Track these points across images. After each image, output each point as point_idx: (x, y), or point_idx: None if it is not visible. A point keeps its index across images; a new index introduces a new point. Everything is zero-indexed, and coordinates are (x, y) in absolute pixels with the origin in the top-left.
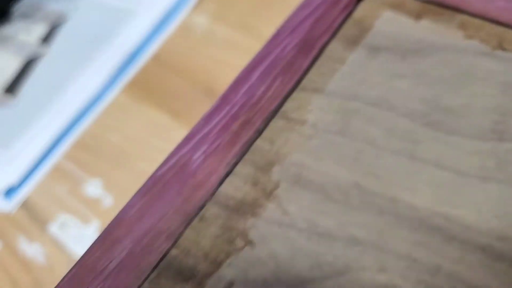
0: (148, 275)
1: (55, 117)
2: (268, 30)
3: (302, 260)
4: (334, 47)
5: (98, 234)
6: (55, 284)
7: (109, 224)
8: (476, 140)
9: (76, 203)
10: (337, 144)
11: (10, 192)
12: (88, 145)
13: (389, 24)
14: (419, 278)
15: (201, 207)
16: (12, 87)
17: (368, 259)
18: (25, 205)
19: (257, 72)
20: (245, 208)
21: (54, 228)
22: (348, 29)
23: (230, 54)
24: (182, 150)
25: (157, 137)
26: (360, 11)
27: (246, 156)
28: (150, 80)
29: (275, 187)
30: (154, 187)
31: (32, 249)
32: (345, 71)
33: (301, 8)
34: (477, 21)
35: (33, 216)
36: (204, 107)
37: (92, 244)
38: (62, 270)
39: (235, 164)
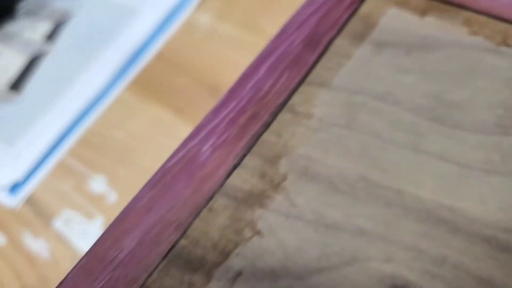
0: (158, 265)
1: (60, 114)
2: (271, 28)
3: (309, 251)
4: (340, 42)
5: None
6: (60, 279)
7: (119, 215)
8: (481, 134)
9: (80, 199)
10: (344, 138)
11: (15, 188)
12: (93, 142)
13: (395, 20)
14: (425, 269)
15: (210, 198)
16: (17, 84)
17: (374, 250)
18: (30, 201)
19: (264, 66)
20: (253, 200)
21: (58, 224)
22: (354, 25)
23: (234, 52)
24: (190, 143)
25: (161, 134)
26: (365, 8)
27: (254, 149)
28: (154, 77)
29: (283, 179)
30: (163, 178)
31: (37, 245)
32: (351, 66)
33: (307, 4)
34: (481, 18)
35: (38, 212)
36: (208, 104)
37: (102, 234)
38: (66, 265)
39: (243, 156)
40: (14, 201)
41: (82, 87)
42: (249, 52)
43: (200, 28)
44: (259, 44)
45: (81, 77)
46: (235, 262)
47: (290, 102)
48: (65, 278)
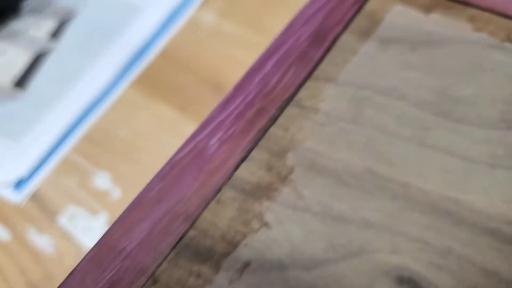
0: (167, 256)
1: (64, 111)
2: (274, 26)
3: (316, 242)
4: (346, 39)
5: (107, 226)
6: (65, 275)
7: (128, 207)
8: (485, 128)
9: (85, 196)
10: (350, 132)
11: (20, 184)
12: (97, 139)
13: (400, 17)
14: (431, 260)
15: (218, 190)
16: (22, 81)
17: (381, 242)
18: (35, 197)
19: (271, 62)
20: (261, 192)
21: (63, 220)
22: (359, 21)
23: (237, 51)
24: (198, 136)
25: (165, 132)
26: (371, 5)
27: (261, 143)
28: (158, 75)
29: (290, 172)
30: (172, 171)
31: (41, 240)
32: (357, 62)
33: (313, 1)
34: (486, 15)
35: (43, 208)
36: (211, 102)
37: (111, 225)
38: (71, 261)
39: (250, 150)
40: (19, 197)
41: (86, 85)
42: (252, 50)
43: (204, 27)
44: (262, 42)
45: (86, 75)
46: (243, 252)
47: (297, 97)
48: (74, 269)
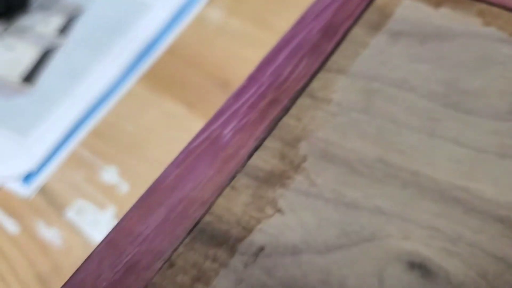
0: (183, 240)
1: (72, 106)
2: (281, 23)
3: (329, 228)
4: (357, 32)
5: (115, 220)
6: (73, 267)
7: (145, 193)
8: (494, 120)
9: (92, 190)
10: (361, 122)
11: (28, 178)
12: (104, 134)
13: (410, 11)
14: (441, 246)
15: (232, 177)
16: (30, 77)
17: (392, 228)
18: (43, 191)
19: (283, 54)
20: (274, 179)
21: (71, 213)
22: (370, 15)
23: (244, 47)
24: (213, 125)
25: (172, 127)
26: None
27: (274, 132)
28: (165, 71)
29: (303, 161)
30: (187, 159)
31: (50, 233)
32: (368, 54)
33: None
34: (495, 10)
35: (51, 202)
36: (217, 98)
37: (128, 211)
38: (79, 253)
39: (264, 139)
40: (27, 191)
41: (94, 80)
42: (258, 47)
43: (211, 24)
44: (268, 40)
45: (93, 70)
46: (258, 237)
47: (309, 88)
48: (92, 252)
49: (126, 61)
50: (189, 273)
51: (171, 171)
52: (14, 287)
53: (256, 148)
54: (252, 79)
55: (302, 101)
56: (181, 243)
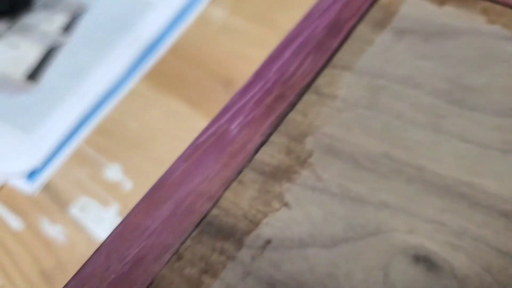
0: (190, 233)
1: (76, 104)
2: (283, 22)
3: (336, 222)
4: (362, 29)
5: (118, 217)
6: (76, 264)
7: (152, 187)
8: (498, 116)
9: (96, 187)
10: (367, 118)
11: (33, 175)
12: (108, 131)
13: (414, 9)
14: (446, 240)
15: (239, 172)
16: (34, 74)
17: (398, 222)
18: (47, 188)
19: (289, 51)
20: (280, 174)
21: (75, 210)
22: (375, 13)
23: (247, 46)
24: (219, 121)
25: (175, 125)
26: None
27: (280, 128)
28: (169, 70)
29: (309, 156)
30: (195, 153)
31: (54, 230)
32: (373, 51)
33: None
34: (499, 8)
35: (55, 199)
36: (221, 97)
37: (136, 205)
38: (83, 250)
39: (270, 134)
40: (31, 188)
41: (97, 78)
42: (261, 46)
43: (214, 22)
44: (271, 38)
45: (97, 69)
46: (265, 230)
47: (315, 84)
48: (101, 245)
49: (129, 59)
50: (197, 265)
51: (179, 166)
52: (18, 283)
53: (262, 143)
54: (258, 75)
55: (308, 97)
56: (188, 236)
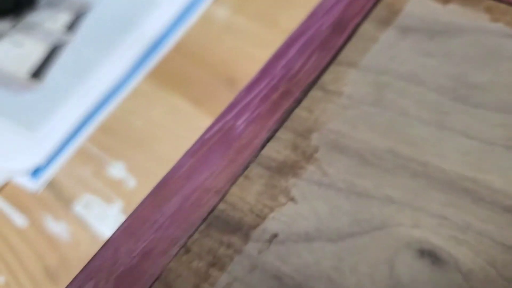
0: (198, 227)
1: (80, 102)
2: (287, 22)
3: (341, 217)
4: (367, 27)
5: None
6: (80, 261)
7: (159, 182)
8: (502, 113)
9: (100, 184)
10: (372, 114)
11: (37, 172)
12: (112, 129)
13: (418, 7)
14: (451, 235)
15: (245, 167)
16: (38, 72)
17: (402, 217)
18: (51, 185)
19: (295, 48)
20: (287, 169)
21: (78, 208)
22: (379, 11)
23: (250, 45)
24: (226, 117)
25: (179, 124)
26: None
27: (286, 124)
28: (172, 68)
29: (315, 151)
30: (202, 149)
31: (57, 227)
32: (377, 49)
33: None
34: (502, 6)
35: (59, 196)
36: (224, 95)
37: (143, 200)
38: (87, 247)
39: (276, 130)
40: (36, 185)
41: (101, 76)
42: (264, 45)
43: (217, 21)
44: (274, 38)
45: (101, 67)
46: (271, 225)
47: (321, 81)
48: (109, 239)
49: (133, 58)
50: (205, 259)
51: (186, 161)
52: (23, 280)
53: (268, 139)
54: (264, 72)
55: (314, 93)
56: (196, 229)
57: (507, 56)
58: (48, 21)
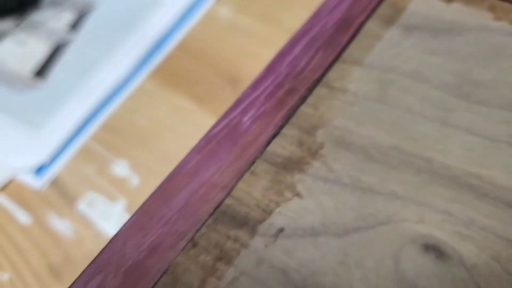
0: (205, 221)
1: (83, 100)
2: (290, 21)
3: (347, 212)
4: (371, 25)
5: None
6: (84, 258)
7: (166, 178)
8: (505, 110)
9: (103, 182)
10: (376, 111)
11: (40, 170)
12: (115, 128)
13: (422, 6)
14: (455, 230)
15: (251, 163)
16: (42, 71)
17: (407, 212)
18: (55, 183)
19: (300, 46)
20: (292, 165)
21: (82, 206)
22: (383, 10)
23: (253, 44)
24: (232, 113)
25: (182, 122)
26: None
27: (292, 120)
28: (175, 67)
29: (320, 147)
30: (208, 145)
31: (61, 225)
32: (382, 47)
33: None
34: (506, 5)
35: (62, 194)
36: (227, 94)
37: (151, 195)
38: (90, 245)
39: (282, 127)
40: (39, 183)
41: (105, 75)
42: (268, 45)
43: (221, 20)
44: (278, 37)
45: (104, 65)
46: (277, 219)
47: (326, 78)
48: (117, 233)
49: (136, 56)
50: (212, 253)
51: (192, 157)
52: (27, 277)
53: (274, 135)
54: (269, 69)
55: (319, 90)
56: (203, 224)
57: (510, 54)
58: (52, 20)
